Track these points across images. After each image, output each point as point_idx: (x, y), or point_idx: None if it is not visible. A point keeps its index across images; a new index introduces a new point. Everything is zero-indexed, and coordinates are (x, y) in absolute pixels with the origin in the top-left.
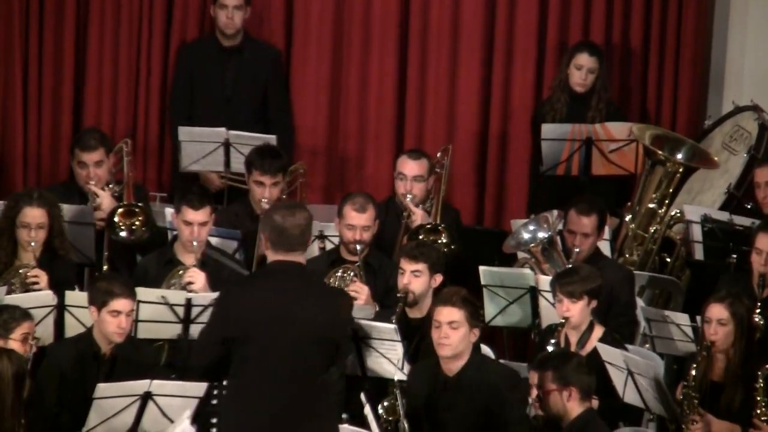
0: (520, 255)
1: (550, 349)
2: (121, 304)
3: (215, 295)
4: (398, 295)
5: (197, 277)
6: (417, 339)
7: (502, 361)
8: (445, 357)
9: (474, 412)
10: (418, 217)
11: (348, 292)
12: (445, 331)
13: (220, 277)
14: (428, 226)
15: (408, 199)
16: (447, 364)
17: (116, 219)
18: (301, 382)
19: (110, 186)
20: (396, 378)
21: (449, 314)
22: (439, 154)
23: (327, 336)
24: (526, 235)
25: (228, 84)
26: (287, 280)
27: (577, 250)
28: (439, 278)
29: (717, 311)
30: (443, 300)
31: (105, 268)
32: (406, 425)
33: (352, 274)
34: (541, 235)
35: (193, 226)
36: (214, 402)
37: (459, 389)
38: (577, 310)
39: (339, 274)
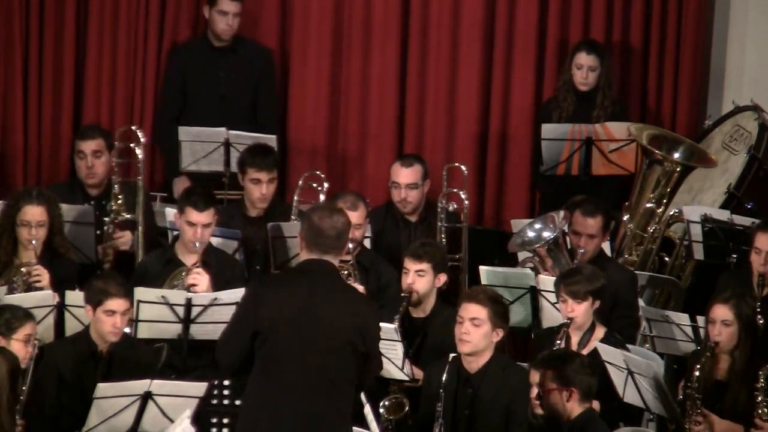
0: (521, 255)
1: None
2: (116, 303)
3: (215, 295)
4: (402, 294)
5: (201, 279)
6: (419, 339)
7: None
8: (464, 353)
9: (493, 411)
10: None
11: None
12: (467, 327)
13: (223, 277)
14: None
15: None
16: (467, 360)
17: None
18: (322, 383)
19: (113, 178)
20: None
21: (472, 311)
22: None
23: (352, 341)
24: (531, 234)
25: (221, 83)
26: (318, 280)
27: (582, 251)
28: (443, 278)
29: (721, 312)
30: (469, 296)
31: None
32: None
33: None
34: (546, 234)
35: (196, 227)
36: (214, 402)
37: (480, 387)
38: (581, 311)
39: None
